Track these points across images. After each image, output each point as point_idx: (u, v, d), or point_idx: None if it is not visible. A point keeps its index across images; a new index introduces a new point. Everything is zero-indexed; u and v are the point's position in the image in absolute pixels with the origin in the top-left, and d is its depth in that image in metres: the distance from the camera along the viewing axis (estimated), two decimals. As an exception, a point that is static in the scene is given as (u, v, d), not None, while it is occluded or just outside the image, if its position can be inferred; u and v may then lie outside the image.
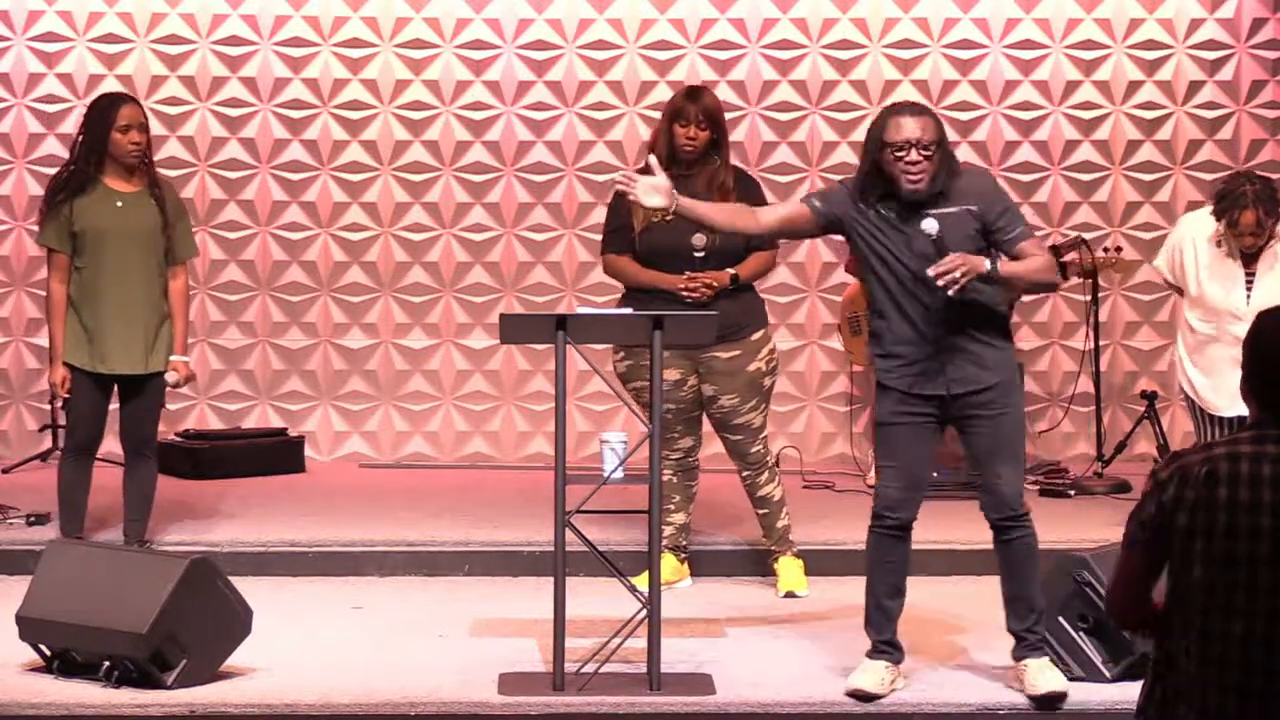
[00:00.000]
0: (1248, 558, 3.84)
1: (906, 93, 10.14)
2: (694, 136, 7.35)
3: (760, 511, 7.59)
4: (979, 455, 6.16)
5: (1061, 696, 6.03)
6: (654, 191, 6.10)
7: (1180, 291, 7.70)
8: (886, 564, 6.23)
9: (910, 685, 6.18)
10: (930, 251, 5.92)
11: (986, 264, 5.92)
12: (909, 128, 5.92)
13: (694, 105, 7.38)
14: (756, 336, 7.43)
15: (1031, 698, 6.06)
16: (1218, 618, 3.86)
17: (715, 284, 7.28)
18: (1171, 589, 3.92)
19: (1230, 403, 7.39)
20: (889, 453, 6.19)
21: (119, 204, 7.44)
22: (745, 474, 7.54)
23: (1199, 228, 7.59)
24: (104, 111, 7.48)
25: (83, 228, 7.39)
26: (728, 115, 7.75)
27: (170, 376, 7.52)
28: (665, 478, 7.56)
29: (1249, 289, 7.41)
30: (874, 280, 6.12)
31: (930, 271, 5.87)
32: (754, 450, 7.49)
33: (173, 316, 7.54)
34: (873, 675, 6.10)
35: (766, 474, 7.54)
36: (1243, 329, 7.16)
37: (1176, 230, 7.79)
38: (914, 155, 5.89)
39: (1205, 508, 3.86)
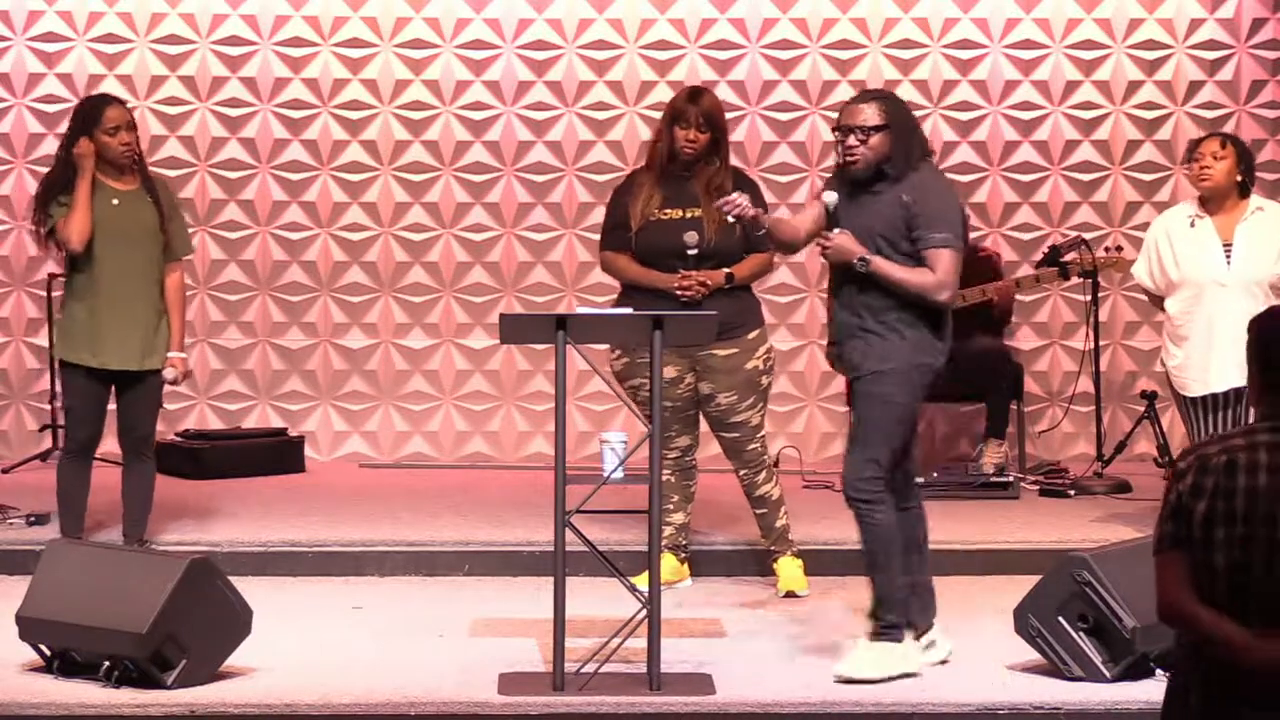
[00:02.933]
0: (1265, 543, 3.88)
1: (906, 93, 10.13)
2: (694, 139, 7.37)
3: (758, 511, 7.59)
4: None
5: (846, 680, 6.17)
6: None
7: (1160, 302, 7.78)
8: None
9: (911, 684, 6.17)
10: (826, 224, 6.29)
11: (858, 256, 6.18)
12: (846, 113, 6.29)
13: (694, 107, 7.40)
14: (753, 335, 7.45)
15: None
16: (1236, 601, 3.89)
17: (710, 283, 7.30)
18: (1194, 580, 3.94)
19: (1200, 381, 7.52)
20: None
21: (115, 201, 7.45)
22: (743, 473, 7.55)
23: (1172, 219, 7.76)
24: (90, 115, 7.48)
25: None
26: (728, 115, 7.75)
27: (168, 373, 7.53)
28: (664, 477, 7.57)
29: (1228, 258, 7.51)
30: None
31: (818, 240, 6.29)
32: (751, 449, 7.50)
33: (169, 313, 7.54)
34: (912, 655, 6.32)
35: (764, 473, 7.54)
36: (1227, 296, 7.41)
37: (1150, 231, 7.89)
38: (851, 140, 6.22)
39: (1224, 495, 3.90)
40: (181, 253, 7.64)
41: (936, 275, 6.19)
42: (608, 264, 7.62)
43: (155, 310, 7.51)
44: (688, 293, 7.30)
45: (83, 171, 7.38)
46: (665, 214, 7.40)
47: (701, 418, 7.60)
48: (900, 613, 6.27)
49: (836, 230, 6.22)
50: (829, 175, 6.52)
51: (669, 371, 7.39)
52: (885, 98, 6.37)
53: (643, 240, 7.42)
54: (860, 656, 6.22)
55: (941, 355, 6.31)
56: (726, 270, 7.34)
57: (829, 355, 6.51)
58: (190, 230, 9.98)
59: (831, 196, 6.25)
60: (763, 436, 7.55)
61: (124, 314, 7.43)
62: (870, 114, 6.21)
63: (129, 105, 7.67)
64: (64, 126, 9.77)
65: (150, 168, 7.74)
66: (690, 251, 7.27)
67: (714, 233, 7.30)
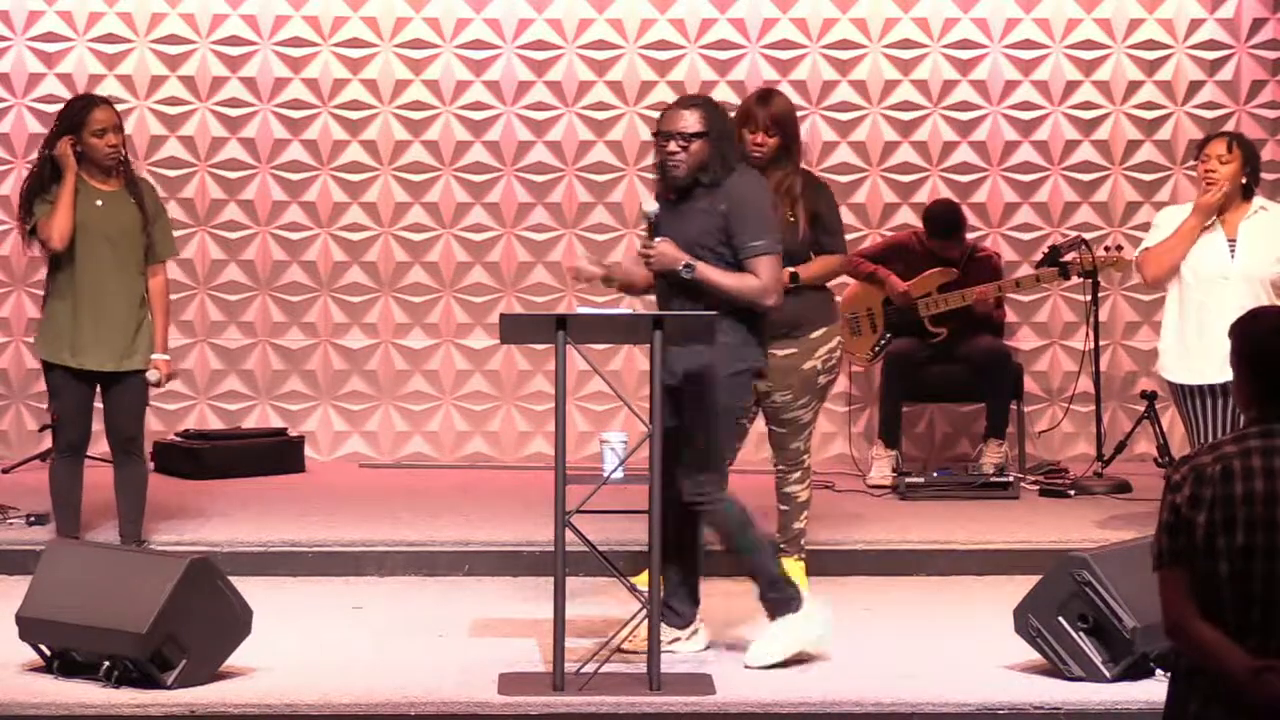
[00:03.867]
0: (1265, 548, 3.88)
1: (906, 93, 10.15)
2: (762, 143, 7.33)
3: (781, 508, 7.57)
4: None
5: (753, 667, 6.34)
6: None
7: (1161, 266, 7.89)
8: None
9: (910, 685, 6.18)
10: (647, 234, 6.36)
11: (682, 263, 6.25)
12: (666, 118, 6.34)
13: (763, 110, 7.35)
14: (816, 335, 7.39)
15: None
16: (1241, 610, 3.89)
17: None
18: (1199, 591, 3.94)
19: (1197, 371, 7.57)
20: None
21: (99, 202, 7.46)
22: (779, 468, 7.54)
23: (1179, 214, 7.80)
24: (77, 115, 7.50)
25: None
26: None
27: (151, 375, 7.53)
28: None
29: (1232, 253, 7.60)
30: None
31: (639, 247, 6.34)
32: (794, 446, 7.48)
33: (153, 315, 7.55)
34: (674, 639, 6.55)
35: (799, 473, 7.51)
36: (1228, 290, 7.47)
37: (1159, 218, 7.95)
38: (671, 146, 6.29)
39: (1222, 504, 3.90)
40: (165, 254, 7.65)
41: (761, 280, 6.32)
42: None
43: (136, 311, 7.51)
44: None
45: (65, 170, 7.39)
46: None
47: (747, 432, 7.58)
48: (781, 587, 6.41)
49: (658, 239, 6.30)
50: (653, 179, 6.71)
51: None
52: (706, 104, 6.42)
53: None
54: (764, 644, 6.38)
55: (761, 359, 6.46)
56: (790, 270, 7.32)
57: None
58: (190, 230, 10.06)
59: (653, 206, 6.32)
60: (808, 436, 7.49)
61: (104, 314, 7.44)
62: (691, 120, 6.28)
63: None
64: (63, 126, 9.85)
65: (135, 169, 7.74)
66: None
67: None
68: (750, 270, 6.32)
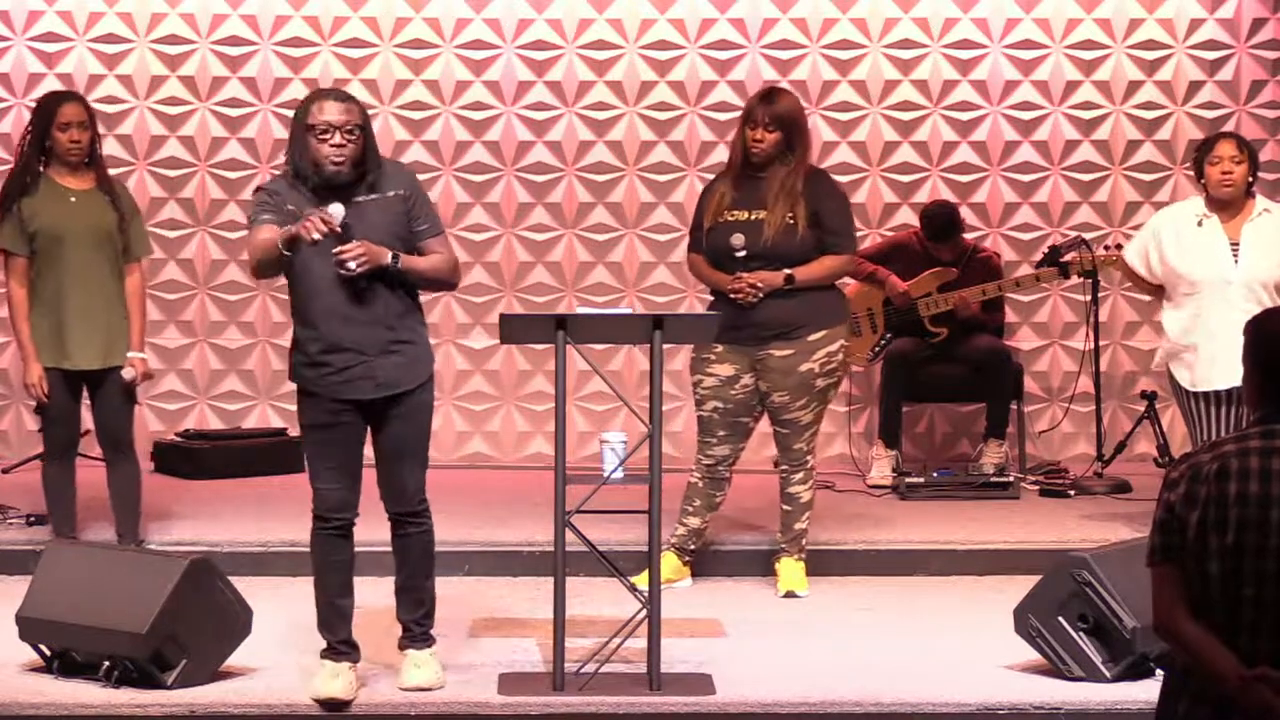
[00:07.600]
0: (1256, 549, 3.88)
1: (906, 93, 10.14)
2: (761, 139, 7.36)
3: (785, 508, 7.58)
4: (389, 450, 6.16)
5: (426, 690, 6.05)
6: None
7: (1147, 288, 7.84)
8: (334, 563, 6.19)
9: (910, 685, 6.18)
10: (336, 238, 5.99)
11: (388, 256, 6.01)
12: (331, 110, 6.04)
13: (763, 108, 7.39)
14: (815, 337, 7.40)
15: (401, 688, 6.07)
16: (1230, 610, 3.89)
17: (763, 285, 7.29)
18: (1190, 589, 3.95)
19: (1203, 378, 7.56)
20: (327, 456, 6.14)
21: (72, 199, 7.48)
22: (782, 468, 7.57)
23: (1178, 214, 7.81)
24: (46, 110, 7.53)
25: (38, 227, 7.43)
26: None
27: (126, 373, 7.53)
28: (692, 481, 7.57)
29: (1235, 257, 7.57)
30: (299, 279, 6.23)
31: (335, 251, 5.97)
32: (796, 447, 7.49)
33: (129, 313, 7.57)
34: (343, 680, 6.04)
35: (802, 474, 7.52)
36: (1232, 294, 7.46)
37: (1152, 222, 7.94)
38: (338, 139, 6.01)
39: (1216, 503, 3.91)
40: (141, 254, 7.68)
41: (450, 257, 6.23)
42: (689, 265, 7.70)
43: (118, 309, 7.54)
44: (740, 295, 7.30)
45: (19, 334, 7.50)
46: (731, 215, 7.40)
47: (750, 431, 7.59)
48: (432, 619, 6.22)
49: (354, 242, 6.00)
50: (270, 181, 6.37)
51: (725, 370, 7.41)
52: (356, 99, 6.20)
53: (710, 241, 7.45)
54: (432, 666, 6.14)
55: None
56: (786, 271, 7.33)
57: (330, 382, 6.22)
58: (190, 230, 10.07)
59: (339, 209, 6.00)
60: (811, 436, 7.52)
61: (86, 313, 7.46)
62: (357, 114, 6.10)
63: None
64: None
65: (106, 169, 7.73)
66: (738, 254, 7.29)
67: (773, 235, 7.31)
68: (432, 250, 6.16)
